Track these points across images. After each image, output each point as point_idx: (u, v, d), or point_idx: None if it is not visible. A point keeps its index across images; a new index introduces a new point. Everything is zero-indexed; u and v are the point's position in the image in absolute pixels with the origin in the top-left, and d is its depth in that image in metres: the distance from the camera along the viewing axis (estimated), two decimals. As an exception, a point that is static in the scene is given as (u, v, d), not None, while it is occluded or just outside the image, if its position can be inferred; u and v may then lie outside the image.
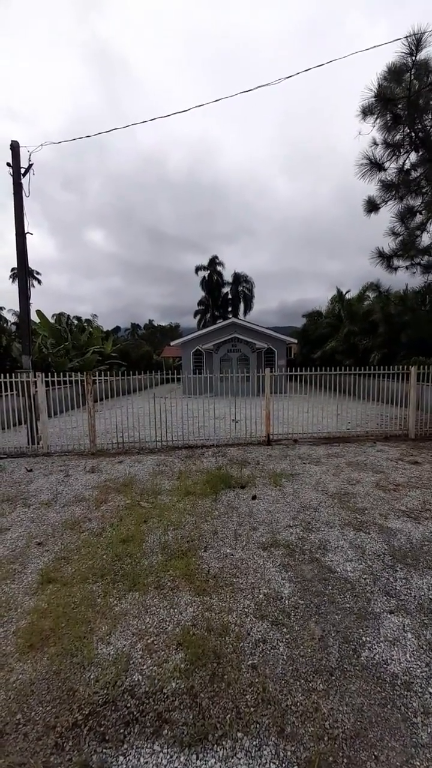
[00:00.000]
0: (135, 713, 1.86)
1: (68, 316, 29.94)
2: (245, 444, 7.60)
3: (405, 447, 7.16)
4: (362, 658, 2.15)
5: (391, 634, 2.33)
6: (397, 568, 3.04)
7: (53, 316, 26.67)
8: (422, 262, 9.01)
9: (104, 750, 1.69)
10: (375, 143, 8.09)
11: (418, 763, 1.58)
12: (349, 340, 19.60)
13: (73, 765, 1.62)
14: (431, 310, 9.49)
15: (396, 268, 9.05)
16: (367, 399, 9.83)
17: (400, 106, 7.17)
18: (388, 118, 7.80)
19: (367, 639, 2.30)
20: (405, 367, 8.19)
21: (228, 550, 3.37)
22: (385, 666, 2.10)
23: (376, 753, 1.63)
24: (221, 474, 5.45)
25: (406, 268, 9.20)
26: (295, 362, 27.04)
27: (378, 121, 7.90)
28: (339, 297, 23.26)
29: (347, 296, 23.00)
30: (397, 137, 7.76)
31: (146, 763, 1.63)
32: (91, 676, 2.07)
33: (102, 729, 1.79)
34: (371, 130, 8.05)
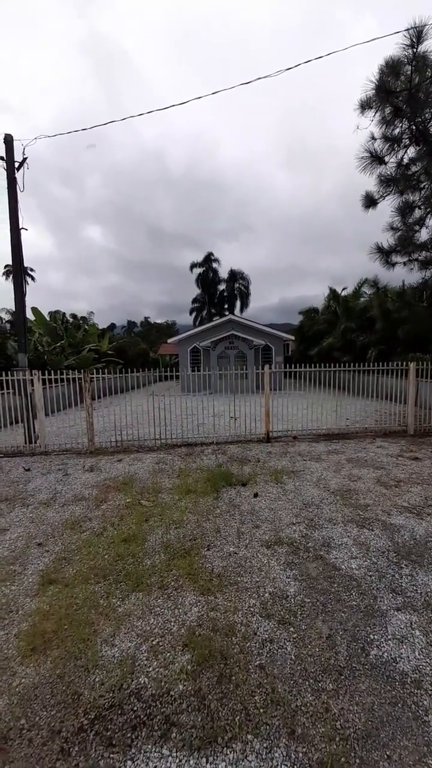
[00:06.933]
0: (142, 716, 1.83)
1: (63, 313, 29.68)
2: (245, 441, 7.57)
3: (404, 443, 7.17)
4: (371, 657, 2.13)
5: (399, 631, 2.32)
6: (402, 565, 3.03)
7: (49, 313, 26.40)
8: (420, 257, 8.99)
9: (111, 755, 1.65)
10: (373, 138, 8.04)
11: (431, 762, 1.56)
12: (346, 336, 19.62)
13: None
14: (429, 306, 9.48)
15: (394, 264, 9.02)
16: (365, 395, 9.83)
17: (400, 98, 7.11)
18: (387, 112, 7.74)
19: (375, 637, 2.28)
20: (404, 363, 8.19)
21: (231, 549, 3.34)
22: (394, 664, 2.08)
23: (388, 753, 1.61)
24: (222, 472, 5.41)
25: (404, 263, 9.18)
26: (292, 359, 27.07)
27: (376, 115, 7.85)
28: (333, 295, 23.30)
29: (343, 293, 23.02)
30: (396, 131, 7.71)
31: (155, 767, 1.59)
32: (96, 679, 2.03)
33: (109, 733, 1.75)
34: (369, 125, 8.00)
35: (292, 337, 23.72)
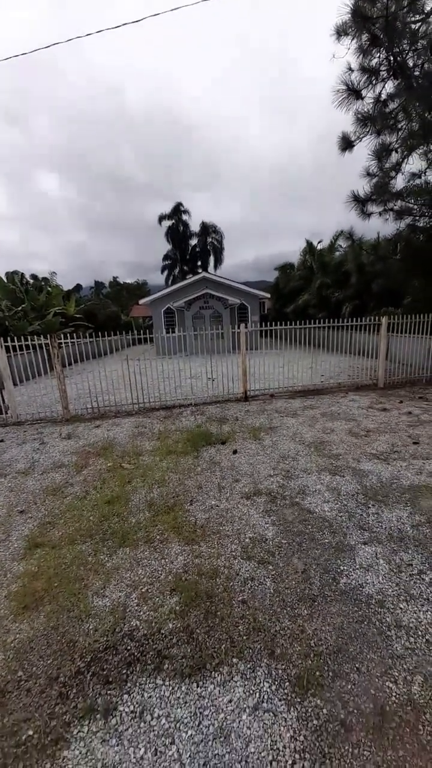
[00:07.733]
0: (136, 654, 1.97)
1: (22, 274, 27.49)
2: (223, 401, 7.67)
3: (375, 396, 7.52)
4: (341, 585, 2.37)
5: (366, 561, 2.57)
6: (369, 505, 3.30)
7: (6, 274, 24.37)
8: (395, 207, 8.82)
9: (108, 691, 1.79)
10: (350, 69, 7.41)
11: (396, 674, 1.80)
12: (321, 292, 19.59)
13: (79, 711, 1.71)
14: (402, 259, 9.50)
15: (370, 214, 8.81)
16: (339, 351, 10.06)
17: (377, 26, 6.49)
18: (364, 40, 7.09)
19: (345, 568, 2.52)
20: (376, 318, 8.33)
21: (213, 502, 3.49)
22: (360, 589, 2.32)
23: (357, 665, 1.84)
24: (201, 431, 5.51)
25: (380, 213, 8.99)
26: (269, 317, 26.97)
27: (353, 42, 7.17)
28: (309, 249, 22.80)
29: (319, 246, 22.57)
30: (373, 62, 7.13)
31: (150, 697, 1.75)
32: (90, 627, 2.15)
33: (105, 672, 1.89)
34: (346, 54, 7.33)
35: (268, 295, 23.42)
